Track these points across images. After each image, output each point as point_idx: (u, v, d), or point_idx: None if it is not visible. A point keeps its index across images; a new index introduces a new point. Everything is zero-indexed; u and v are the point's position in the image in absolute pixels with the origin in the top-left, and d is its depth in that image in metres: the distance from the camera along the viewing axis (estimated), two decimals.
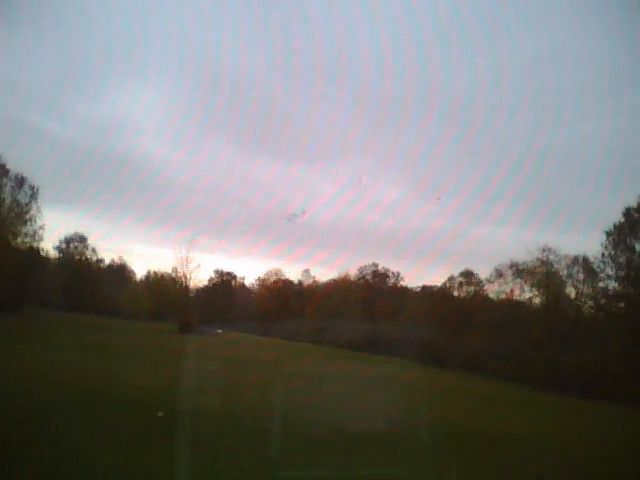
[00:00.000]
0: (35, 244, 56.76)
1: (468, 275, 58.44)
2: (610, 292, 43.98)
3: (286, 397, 13.40)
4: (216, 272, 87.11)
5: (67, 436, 10.11)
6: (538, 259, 47.90)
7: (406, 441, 11.64)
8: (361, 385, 21.86)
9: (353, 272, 76.39)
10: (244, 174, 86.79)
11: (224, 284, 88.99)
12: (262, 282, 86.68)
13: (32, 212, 53.94)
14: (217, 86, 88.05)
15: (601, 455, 14.29)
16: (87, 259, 75.41)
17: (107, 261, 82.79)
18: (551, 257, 47.63)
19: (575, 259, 46.48)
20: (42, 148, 79.31)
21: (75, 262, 73.09)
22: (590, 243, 62.32)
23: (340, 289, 71.61)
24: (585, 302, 46.86)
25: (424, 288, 67.70)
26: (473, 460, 11.87)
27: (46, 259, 65.88)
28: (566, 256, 47.05)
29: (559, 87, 73.49)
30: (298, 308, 73.35)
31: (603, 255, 43.08)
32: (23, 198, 53.11)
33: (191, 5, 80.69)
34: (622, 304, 42.74)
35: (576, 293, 47.12)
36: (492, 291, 53.64)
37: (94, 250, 75.35)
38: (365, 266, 76.32)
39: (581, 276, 46.27)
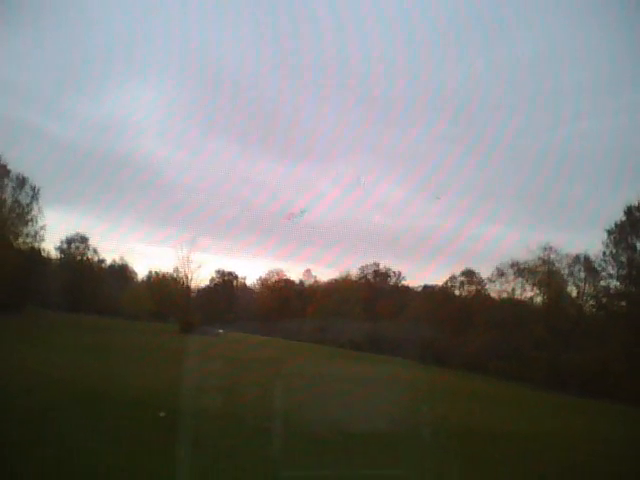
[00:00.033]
0: (36, 244, 56.86)
1: (469, 274, 58.38)
2: (611, 291, 43.98)
3: (287, 397, 13.40)
4: (217, 272, 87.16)
5: (68, 436, 10.13)
6: (539, 258, 47.89)
7: (407, 440, 11.64)
8: (362, 384, 21.84)
9: (354, 272, 76.47)
10: (246, 174, 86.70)
11: (225, 284, 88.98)
12: (263, 282, 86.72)
13: (33, 212, 54.05)
14: (219, 86, 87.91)
15: (602, 454, 14.29)
16: (88, 259, 75.45)
17: (108, 261, 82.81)
18: (552, 256, 47.60)
19: (576, 258, 46.47)
20: (42, 148, 79.30)
21: (76, 262, 73.11)
22: (591, 242, 62.12)
23: (341, 289, 71.59)
24: (586, 301, 46.83)
25: (425, 288, 67.66)
26: (474, 459, 11.87)
27: (47, 259, 65.92)
28: (567, 255, 47.05)
29: (558, 86, 73.33)
30: (299, 308, 73.34)
31: (604, 254, 43.12)
32: (24, 199, 53.23)
33: (193, 4, 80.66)
34: (623, 303, 42.73)
35: (577, 292, 47.13)
36: (493, 290, 53.71)
37: (95, 250, 75.44)
38: (366, 266, 76.31)
39: (582, 275, 46.26)
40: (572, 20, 69.98)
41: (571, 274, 47.14)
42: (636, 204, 41.62)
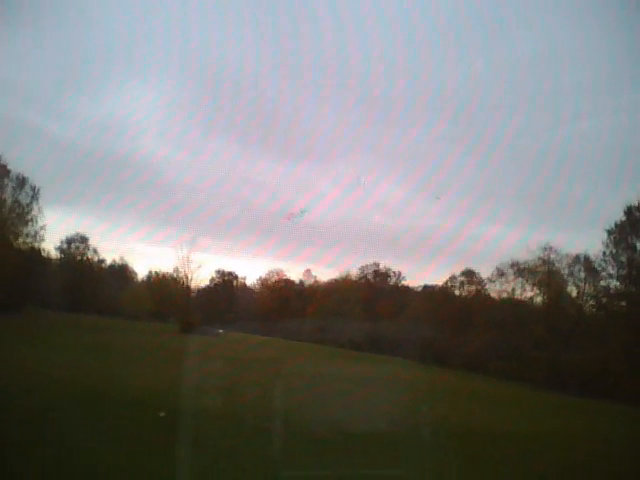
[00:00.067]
0: (36, 245, 56.86)
1: (469, 274, 58.39)
2: (611, 291, 43.99)
3: (287, 397, 13.40)
4: (217, 272, 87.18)
5: (68, 436, 10.13)
6: (539, 258, 47.90)
7: (407, 440, 11.63)
8: (362, 384, 21.84)
9: (354, 272, 76.48)
10: (246, 174, 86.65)
11: (225, 284, 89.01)
12: (263, 282, 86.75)
13: (33, 213, 54.05)
14: (219, 86, 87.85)
15: (602, 454, 14.29)
16: (88, 259, 75.45)
17: (108, 261, 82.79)
18: (552, 256, 47.61)
19: (576, 258, 46.47)
20: (42, 148, 79.22)
21: (76, 262, 73.12)
22: (591, 242, 62.16)
23: (341, 289, 71.60)
24: (586, 301, 46.84)
25: (425, 288, 67.67)
26: (474, 459, 11.87)
27: (47, 259, 65.92)
28: (567, 255, 47.06)
29: (558, 86, 73.30)
30: (299, 308, 73.36)
31: (604, 254, 43.13)
32: (24, 199, 53.23)
33: (193, 4, 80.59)
34: (623, 303, 42.74)
35: (577, 292, 47.14)
36: (493, 290, 53.72)
37: (95, 250, 75.45)
38: (366, 266, 76.32)
39: (582, 275, 46.26)
40: (572, 20, 69.97)
41: (571, 274, 47.20)
42: (636, 204, 41.66)
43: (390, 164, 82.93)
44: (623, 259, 42.10)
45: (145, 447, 10.04)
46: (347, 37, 73.28)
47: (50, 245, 75.09)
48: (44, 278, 60.75)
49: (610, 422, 23.73)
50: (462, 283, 58.95)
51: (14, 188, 52.31)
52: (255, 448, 10.45)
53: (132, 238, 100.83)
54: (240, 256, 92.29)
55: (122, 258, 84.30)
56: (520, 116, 75.98)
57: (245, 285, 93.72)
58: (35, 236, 55.43)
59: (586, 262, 45.69)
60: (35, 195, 53.50)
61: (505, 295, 51.39)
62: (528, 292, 50.22)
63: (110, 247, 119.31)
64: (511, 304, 49.27)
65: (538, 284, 48.92)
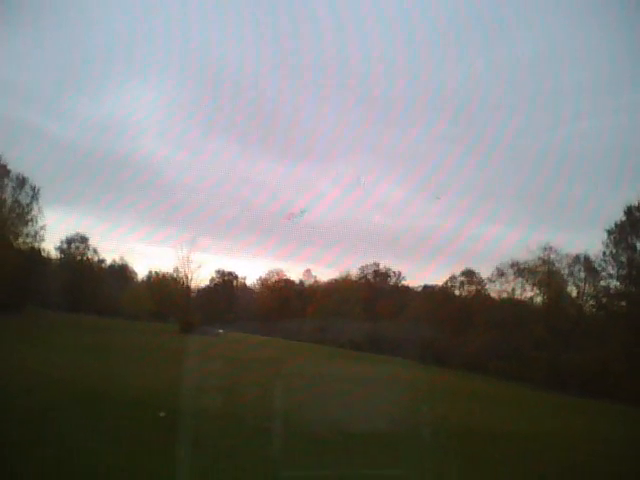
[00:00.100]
0: (36, 245, 56.84)
1: (469, 274, 58.39)
2: (611, 291, 43.99)
3: (287, 397, 13.41)
4: (217, 272, 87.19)
5: (68, 436, 10.13)
6: (539, 258, 47.90)
7: (407, 440, 11.64)
8: (362, 384, 21.84)
9: (354, 272, 76.49)
10: (246, 174, 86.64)
11: (225, 284, 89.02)
12: (263, 282, 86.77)
13: (33, 212, 54.05)
14: (219, 86, 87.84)
15: (602, 454, 14.29)
16: (88, 259, 75.45)
17: (108, 261, 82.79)
18: (552, 256, 47.61)
19: (576, 258, 46.48)
20: (42, 148, 79.23)
21: (76, 262, 73.12)
22: (591, 242, 62.16)
23: (341, 289, 71.61)
24: (586, 301, 46.84)
25: (425, 288, 67.68)
26: (475, 459, 11.87)
27: (47, 260, 65.91)
28: (567, 255, 47.06)
29: (558, 86, 73.30)
30: (299, 308, 73.37)
31: (604, 254, 43.14)
32: (24, 199, 53.23)
33: (193, 4, 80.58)
34: (623, 303, 42.75)
35: (577, 292, 47.15)
36: (493, 290, 53.72)
37: (95, 250, 75.43)
38: (366, 266, 76.33)
39: (582, 275, 46.27)
40: (572, 20, 69.96)
41: (571, 274, 47.20)
42: (636, 204, 41.67)
43: (390, 164, 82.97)
44: (623, 259, 42.10)
45: (145, 447, 10.04)
46: (347, 37, 73.30)
47: (50, 245, 75.12)
48: (44, 278, 60.74)
49: (610, 422, 23.73)
50: (462, 283, 58.97)
51: (14, 188, 52.35)
52: (255, 448, 10.45)
53: (132, 238, 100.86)
54: (240, 256, 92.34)
55: (122, 258, 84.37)
56: (520, 116, 76.01)
57: (245, 285, 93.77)
58: (35, 236, 55.49)
59: (586, 262, 45.71)
60: (35, 195, 53.58)
61: (505, 295, 51.44)
62: (528, 292, 50.31)
63: (110, 247, 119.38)
64: (511, 304, 49.26)
65: (538, 284, 48.93)
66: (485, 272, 57.38)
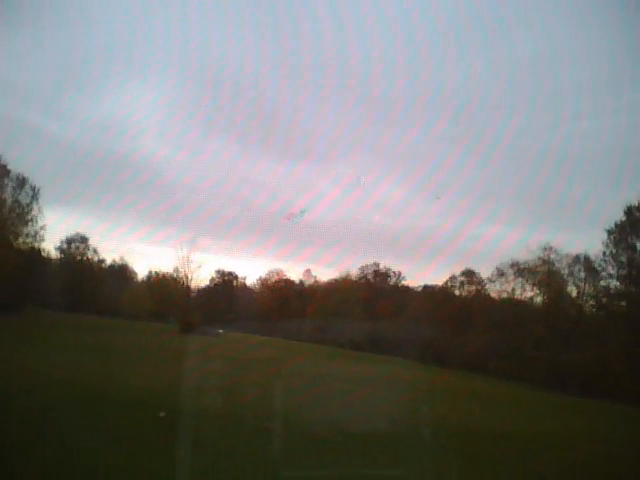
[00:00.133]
0: (36, 245, 56.87)
1: (469, 274, 58.39)
2: (611, 291, 44.00)
3: (287, 397, 13.41)
4: (217, 272, 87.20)
5: (68, 436, 10.13)
6: (539, 258, 47.91)
7: (407, 440, 11.64)
8: (362, 384, 21.85)
9: (354, 272, 76.50)
10: (246, 174, 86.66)
11: (225, 284, 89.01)
12: (263, 282, 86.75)
13: (33, 212, 54.08)
14: (219, 86, 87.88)
15: (602, 454, 14.29)
16: (88, 259, 75.45)
17: (108, 261, 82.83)
18: (552, 256, 47.62)
19: (576, 258, 46.49)
20: (42, 148, 79.26)
21: (76, 262, 73.12)
22: (591, 242, 62.22)
23: (341, 289, 71.61)
24: (586, 301, 46.85)
25: (425, 288, 67.69)
26: (475, 459, 11.87)
27: (47, 260, 65.91)
28: (567, 255, 47.08)
29: (558, 86, 73.31)
30: (299, 308, 73.36)
31: (604, 254, 43.15)
32: (24, 199, 53.26)
33: (193, 4, 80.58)
34: (623, 303, 42.76)
35: (577, 292, 47.16)
36: (493, 290, 53.72)
37: (95, 250, 75.44)
38: (366, 266, 76.34)
39: (582, 275, 46.28)
40: (572, 20, 70.00)
41: (571, 274, 47.21)
42: (636, 204, 41.68)
43: (390, 164, 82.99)
44: (623, 259, 42.11)
45: (145, 447, 10.04)
46: (347, 37, 73.30)
47: (50, 245, 75.13)
48: (44, 278, 60.76)
49: (610, 422, 23.74)
50: (462, 283, 58.97)
51: (14, 188, 52.38)
52: (255, 448, 10.45)
53: (132, 238, 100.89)
54: (240, 256, 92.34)
55: (122, 258, 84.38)
56: (520, 116, 76.01)
57: (245, 285, 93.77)
58: (35, 236, 55.52)
59: (586, 262, 45.72)
60: (35, 195, 53.59)
61: (505, 295, 51.45)
62: (528, 292, 50.31)
63: (110, 247, 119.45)
64: (511, 304, 49.27)
65: (538, 284, 48.93)
66: (485, 272, 57.46)
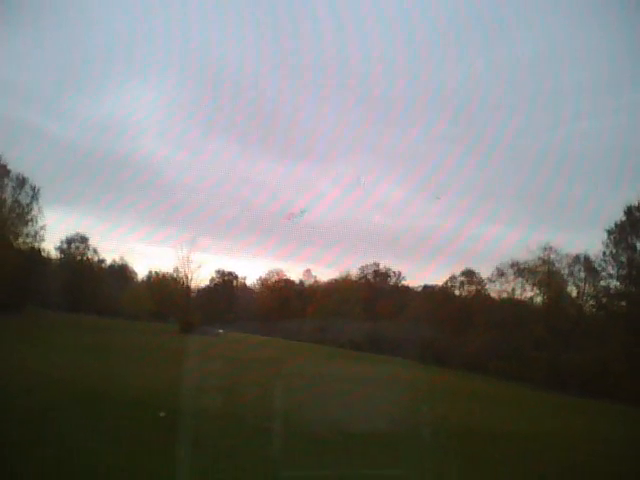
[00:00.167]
0: (36, 245, 56.88)
1: (469, 274, 58.39)
2: (611, 291, 44.00)
3: (287, 397, 13.40)
4: (217, 272, 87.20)
5: (68, 436, 10.13)
6: (539, 258, 47.91)
7: (407, 440, 11.64)
8: (362, 384, 21.84)
9: (354, 272, 76.50)
10: (246, 174, 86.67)
11: (225, 284, 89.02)
12: (263, 282, 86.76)
13: (33, 212, 54.09)
14: (219, 86, 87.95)
15: (602, 454, 14.30)
16: (88, 259, 75.44)
17: (108, 261, 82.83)
18: (552, 256, 47.62)
19: (576, 258, 46.49)
20: (42, 148, 79.29)
21: (76, 262, 73.11)
22: (591, 242, 62.27)
23: (341, 289, 71.61)
24: (586, 301, 46.85)
25: (425, 288, 67.69)
26: (475, 459, 11.87)
27: (47, 260, 65.91)
28: (567, 255, 47.09)
29: (558, 86, 73.32)
30: (299, 308, 73.36)
31: (604, 254, 43.16)
32: (24, 199, 53.27)
33: (193, 4, 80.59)
34: (623, 303, 42.76)
35: (577, 292, 47.16)
36: (493, 290, 53.73)
37: (95, 250, 75.44)
38: (366, 266, 76.33)
39: (582, 275, 46.28)
40: (572, 20, 70.04)
41: (571, 274, 47.21)
42: (636, 204, 41.68)
43: (390, 164, 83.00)
44: (623, 259, 42.12)
45: (145, 447, 10.04)
46: (347, 37, 73.32)
47: (50, 245, 75.10)
48: (44, 278, 60.77)
49: (610, 422, 23.74)
50: (462, 283, 58.97)
51: (14, 188, 52.39)
52: (255, 448, 10.45)
53: (132, 238, 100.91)
54: (240, 256, 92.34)
55: (122, 258, 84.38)
56: (520, 116, 76.02)
57: (245, 285, 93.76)
58: (35, 236, 55.53)
59: (586, 262, 45.72)
60: (35, 195, 53.61)
61: (505, 295, 51.45)
62: (528, 292, 50.31)
63: (110, 247, 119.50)
64: (511, 304, 49.26)
65: (538, 284, 48.93)
66: (485, 272, 57.44)
